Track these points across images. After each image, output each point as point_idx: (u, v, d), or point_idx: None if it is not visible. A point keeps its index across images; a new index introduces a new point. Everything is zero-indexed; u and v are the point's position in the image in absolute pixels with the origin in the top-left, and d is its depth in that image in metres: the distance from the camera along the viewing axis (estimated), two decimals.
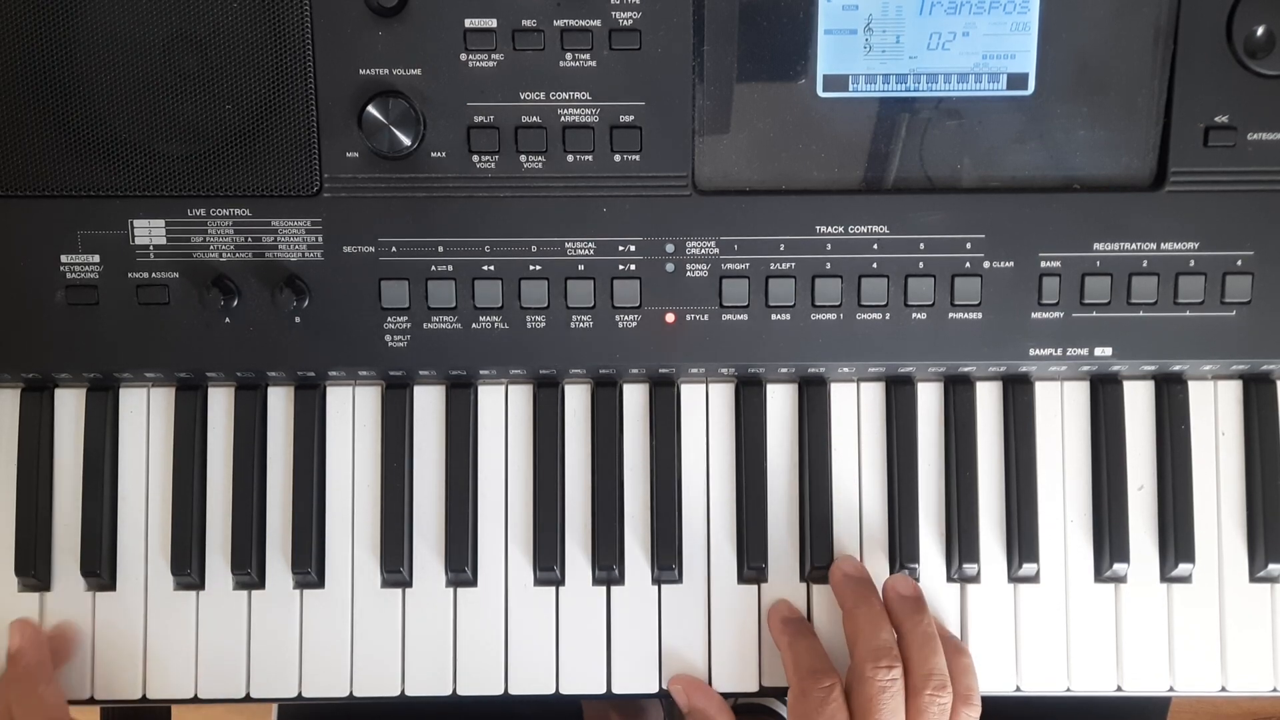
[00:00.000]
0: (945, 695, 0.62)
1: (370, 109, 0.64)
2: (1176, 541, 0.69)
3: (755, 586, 0.70)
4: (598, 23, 0.64)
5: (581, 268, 0.66)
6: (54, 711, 0.65)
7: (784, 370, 0.69)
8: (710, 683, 0.69)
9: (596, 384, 0.70)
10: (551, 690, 0.69)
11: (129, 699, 0.69)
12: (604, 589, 0.70)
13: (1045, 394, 0.71)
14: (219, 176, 0.65)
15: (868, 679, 0.62)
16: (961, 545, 0.69)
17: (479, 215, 0.66)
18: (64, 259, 0.66)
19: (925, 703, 0.62)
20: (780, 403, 0.71)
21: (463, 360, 0.67)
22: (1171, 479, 0.70)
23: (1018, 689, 0.70)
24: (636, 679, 0.69)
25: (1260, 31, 0.65)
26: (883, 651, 0.63)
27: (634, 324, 0.67)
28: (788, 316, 0.67)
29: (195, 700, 0.69)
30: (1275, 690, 0.70)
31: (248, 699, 0.69)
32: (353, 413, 0.70)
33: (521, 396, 0.70)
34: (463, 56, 0.65)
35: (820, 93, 0.66)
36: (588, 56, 0.65)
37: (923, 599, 0.67)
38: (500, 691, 0.69)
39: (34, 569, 0.69)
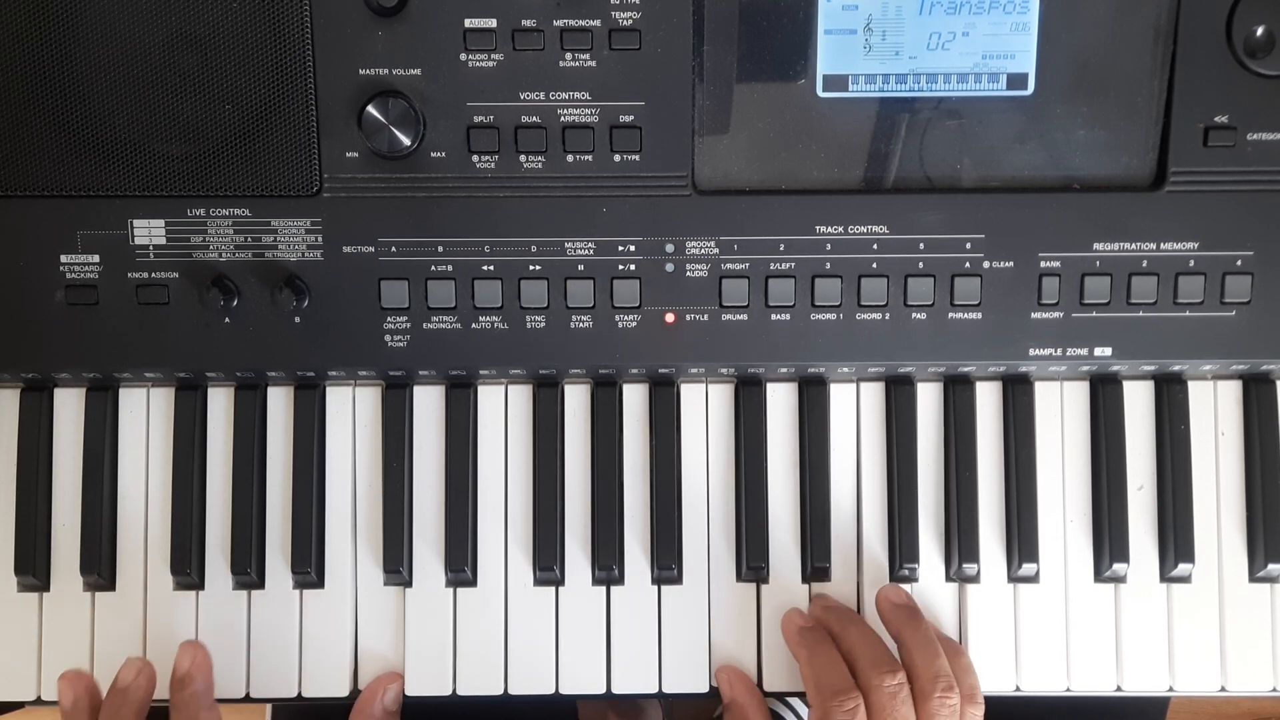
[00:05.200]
0: (954, 696, 0.62)
1: (370, 109, 0.64)
2: (1176, 541, 0.69)
3: (755, 586, 0.70)
4: (598, 23, 0.64)
5: (581, 268, 0.66)
6: None
7: (784, 370, 0.69)
8: (710, 683, 0.69)
9: (596, 384, 0.70)
10: (551, 690, 0.69)
11: None
12: (604, 589, 0.70)
13: (1045, 394, 0.71)
14: (219, 176, 0.65)
15: (876, 688, 0.62)
16: (961, 545, 0.69)
17: (479, 215, 0.66)
18: (64, 259, 0.66)
19: (935, 706, 0.62)
20: (780, 403, 0.71)
21: (463, 360, 0.68)
22: (1171, 479, 0.70)
23: (1017, 689, 0.70)
24: (636, 679, 0.69)
25: (1260, 31, 0.65)
26: (885, 660, 0.63)
27: (634, 324, 0.67)
28: (788, 316, 0.67)
29: None
30: (1275, 690, 0.70)
31: (248, 699, 0.69)
32: (353, 413, 0.70)
33: (521, 396, 0.70)
34: (463, 56, 0.65)
35: (820, 93, 0.66)
36: (588, 56, 0.65)
37: (916, 605, 0.68)
38: (500, 691, 0.69)
39: (33, 569, 0.69)
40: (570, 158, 0.66)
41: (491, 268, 0.66)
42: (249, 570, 0.69)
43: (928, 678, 0.62)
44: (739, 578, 0.70)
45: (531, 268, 0.66)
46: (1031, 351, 0.67)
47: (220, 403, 0.70)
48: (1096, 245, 0.67)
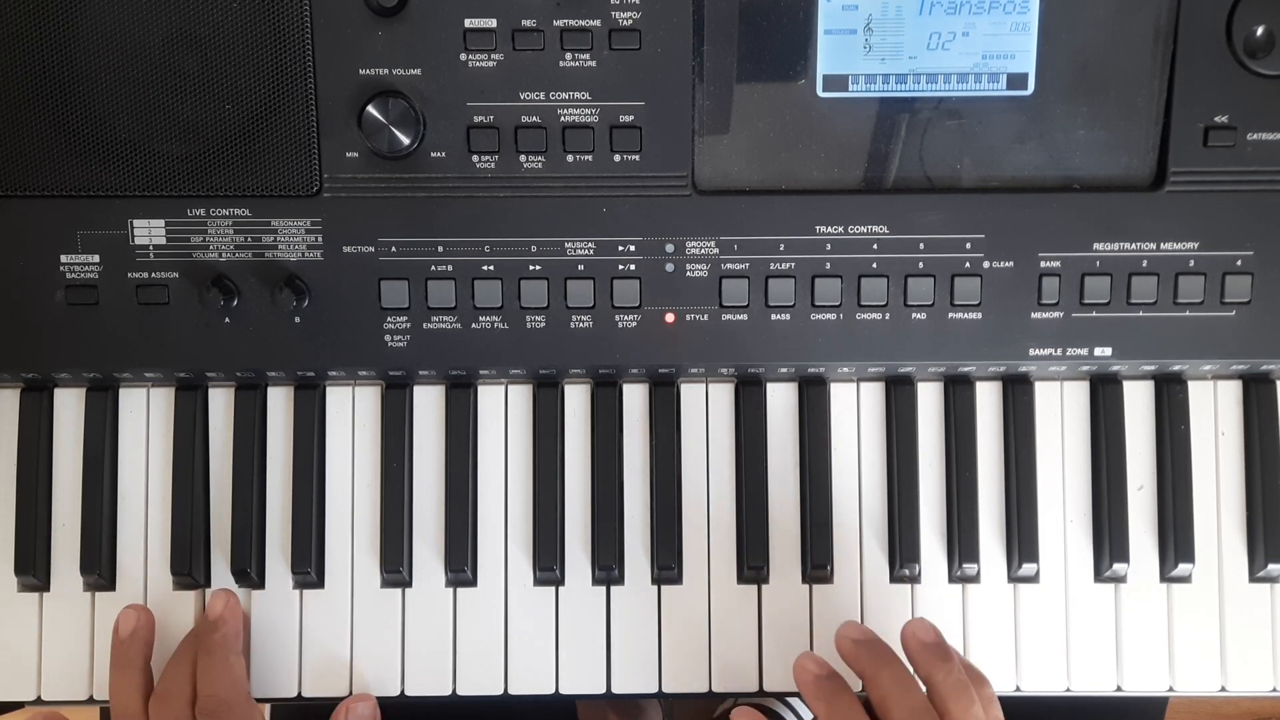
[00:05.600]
0: None
1: (370, 109, 0.64)
2: (1176, 541, 0.69)
3: (755, 586, 0.70)
4: (598, 23, 0.64)
5: (581, 268, 0.66)
6: (239, 685, 0.65)
7: (784, 370, 0.69)
8: (710, 683, 0.69)
9: (596, 384, 0.70)
10: (551, 690, 0.69)
11: None
12: (604, 589, 0.70)
13: (1045, 394, 0.71)
14: (219, 176, 0.65)
15: None
16: (961, 545, 0.69)
17: (479, 215, 0.66)
18: (64, 259, 0.66)
19: None
20: (780, 403, 0.71)
21: (463, 360, 0.68)
22: (1171, 479, 0.70)
23: (1017, 689, 0.70)
24: (636, 679, 0.69)
25: (1260, 31, 0.65)
26: (920, 712, 0.59)
27: (634, 324, 0.67)
28: (788, 316, 0.67)
29: None
30: (1275, 690, 0.70)
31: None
32: (353, 413, 0.70)
33: (521, 396, 0.70)
34: (463, 56, 0.65)
35: (820, 93, 0.66)
36: (588, 56, 0.65)
37: (946, 643, 0.63)
38: (500, 691, 0.69)
39: (33, 569, 0.69)
40: (570, 158, 0.66)
41: (491, 268, 0.66)
42: (249, 570, 0.69)
43: None
44: (739, 578, 0.70)
45: (531, 268, 0.66)
46: (1031, 351, 0.67)
47: (220, 403, 0.70)
48: (1096, 245, 0.67)
